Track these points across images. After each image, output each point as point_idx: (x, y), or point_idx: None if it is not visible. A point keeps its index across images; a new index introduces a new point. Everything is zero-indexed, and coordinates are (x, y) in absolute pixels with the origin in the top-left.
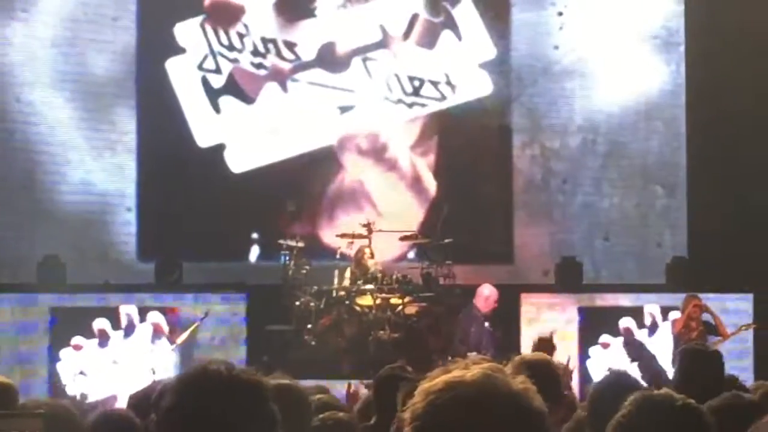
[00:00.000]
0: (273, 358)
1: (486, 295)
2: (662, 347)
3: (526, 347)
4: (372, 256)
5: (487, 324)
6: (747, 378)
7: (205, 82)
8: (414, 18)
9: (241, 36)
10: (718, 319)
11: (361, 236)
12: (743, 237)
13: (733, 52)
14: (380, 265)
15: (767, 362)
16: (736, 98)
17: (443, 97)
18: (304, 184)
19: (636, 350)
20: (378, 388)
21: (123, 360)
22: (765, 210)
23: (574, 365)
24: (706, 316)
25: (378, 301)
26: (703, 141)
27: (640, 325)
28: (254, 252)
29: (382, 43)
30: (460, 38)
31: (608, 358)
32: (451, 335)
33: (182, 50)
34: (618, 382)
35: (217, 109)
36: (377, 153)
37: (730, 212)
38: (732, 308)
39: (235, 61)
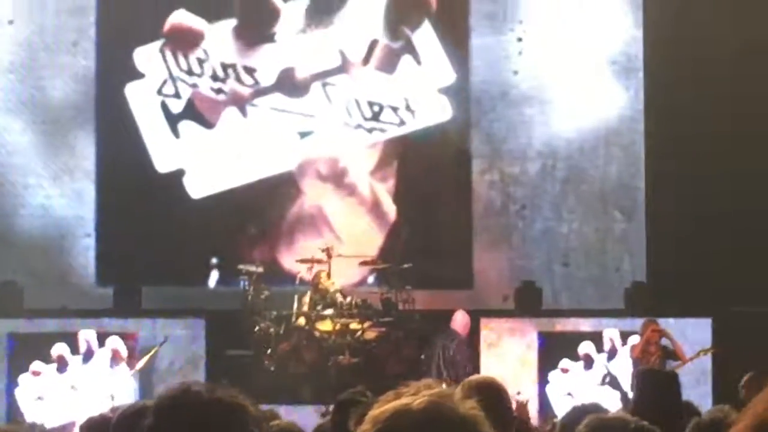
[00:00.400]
0: (232, 383)
1: (465, 320)
2: (622, 372)
3: (486, 372)
4: (329, 277)
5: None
6: (706, 403)
7: (165, 107)
8: (373, 43)
9: (200, 61)
10: (676, 344)
11: (320, 261)
12: (701, 262)
13: (691, 77)
14: (339, 286)
15: (726, 387)
16: (695, 123)
17: (403, 123)
18: (263, 210)
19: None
20: (337, 412)
21: (82, 385)
22: (723, 235)
23: (525, 398)
24: (664, 341)
25: (338, 327)
26: (661, 166)
27: (600, 349)
28: (213, 277)
29: (342, 68)
30: (419, 63)
31: (568, 383)
32: (411, 360)
33: (141, 75)
34: (587, 411)
35: (176, 134)
36: (337, 178)
37: (689, 237)
38: (691, 333)
39: (194, 86)
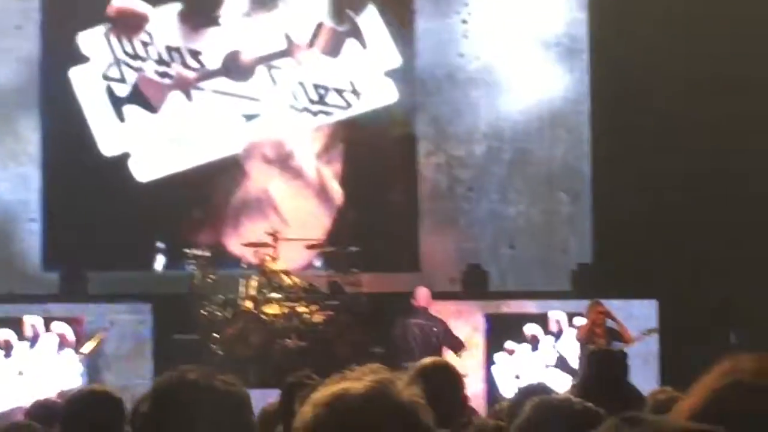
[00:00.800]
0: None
1: (427, 293)
2: (569, 353)
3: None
4: (274, 259)
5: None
6: (651, 385)
7: (110, 91)
8: (319, 26)
9: (145, 44)
10: (622, 326)
11: (267, 245)
12: (647, 243)
13: (635, 59)
14: (285, 269)
15: (672, 368)
16: (639, 105)
17: (348, 105)
18: (209, 193)
19: None
20: (284, 395)
21: (28, 371)
22: (668, 216)
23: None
24: (610, 323)
25: (284, 310)
26: (606, 148)
27: (546, 331)
28: (160, 261)
29: (287, 52)
30: (364, 46)
31: (513, 364)
32: (359, 343)
33: (86, 59)
34: (534, 393)
35: (121, 118)
36: (283, 161)
37: (634, 219)
38: (636, 314)
39: (139, 69)
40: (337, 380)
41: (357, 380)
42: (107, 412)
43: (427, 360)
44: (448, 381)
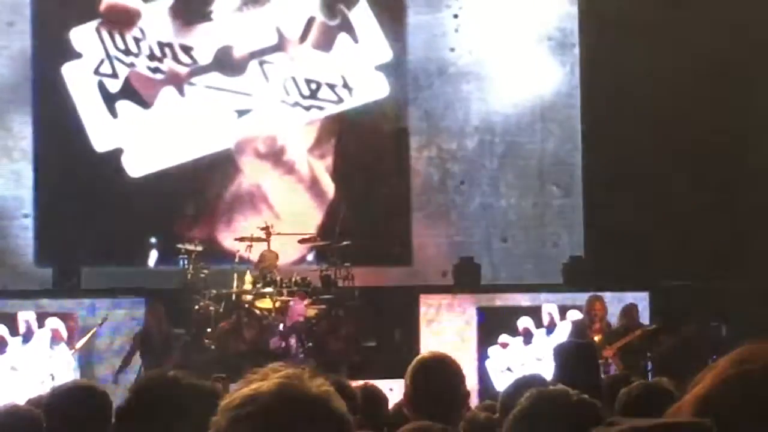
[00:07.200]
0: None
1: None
2: None
3: (426, 348)
4: (277, 258)
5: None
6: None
7: (102, 87)
8: (310, 21)
9: (137, 40)
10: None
11: (259, 239)
12: (638, 236)
13: (626, 52)
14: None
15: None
16: (630, 99)
17: (340, 100)
18: (201, 188)
19: None
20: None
21: (22, 366)
22: (659, 209)
23: None
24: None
25: (277, 304)
26: (597, 141)
27: (539, 324)
28: (153, 256)
29: (279, 47)
30: (356, 41)
31: (507, 357)
32: (351, 337)
33: (78, 55)
34: (528, 384)
35: (114, 114)
36: (275, 156)
37: (625, 211)
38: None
39: (131, 65)
40: (243, 384)
41: (262, 381)
42: (90, 406)
43: (427, 354)
44: (448, 374)
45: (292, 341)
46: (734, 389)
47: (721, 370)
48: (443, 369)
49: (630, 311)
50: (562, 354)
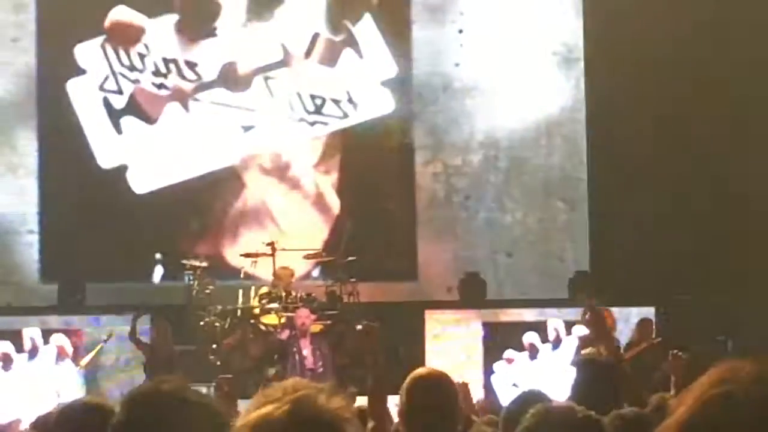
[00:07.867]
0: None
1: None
2: (566, 361)
3: (430, 363)
4: (292, 276)
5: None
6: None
7: (107, 103)
8: (315, 37)
9: (141, 56)
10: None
11: (264, 255)
12: (644, 250)
13: (631, 67)
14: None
15: (668, 374)
16: (635, 113)
17: (345, 116)
18: (207, 204)
19: None
20: None
21: (27, 383)
22: (665, 223)
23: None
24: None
25: (283, 320)
26: (603, 156)
27: (544, 339)
28: (158, 272)
29: (284, 62)
30: (361, 56)
31: (512, 373)
32: (357, 352)
33: (83, 71)
34: (531, 400)
35: (118, 130)
36: (280, 172)
37: (631, 226)
38: (634, 321)
39: (136, 81)
40: (256, 405)
41: (276, 402)
42: (97, 424)
43: (422, 370)
44: (442, 391)
45: (306, 353)
46: (716, 412)
47: (703, 391)
48: (438, 385)
49: (645, 325)
50: (582, 369)
